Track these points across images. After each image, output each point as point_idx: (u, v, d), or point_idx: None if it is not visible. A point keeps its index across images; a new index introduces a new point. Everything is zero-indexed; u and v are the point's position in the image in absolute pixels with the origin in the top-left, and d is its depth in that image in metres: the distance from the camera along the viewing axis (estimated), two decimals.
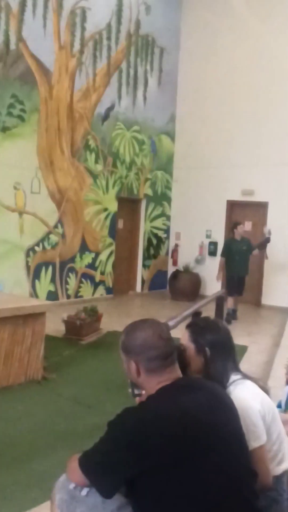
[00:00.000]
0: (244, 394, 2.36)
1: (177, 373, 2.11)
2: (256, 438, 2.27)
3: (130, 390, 2.25)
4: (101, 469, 1.92)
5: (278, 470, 2.42)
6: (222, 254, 9.97)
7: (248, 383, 2.45)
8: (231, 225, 10.31)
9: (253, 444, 2.26)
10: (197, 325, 2.61)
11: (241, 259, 9.74)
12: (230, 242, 9.96)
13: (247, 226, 11.49)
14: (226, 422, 2.04)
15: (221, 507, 1.90)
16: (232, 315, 9.56)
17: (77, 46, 10.30)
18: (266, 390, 2.57)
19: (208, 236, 12.60)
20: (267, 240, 10.01)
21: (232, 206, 12.27)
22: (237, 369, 2.52)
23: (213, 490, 1.89)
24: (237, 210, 12.17)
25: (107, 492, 1.94)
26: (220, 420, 2.01)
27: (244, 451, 2.08)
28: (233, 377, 2.46)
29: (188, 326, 2.64)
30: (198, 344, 2.50)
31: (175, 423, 1.89)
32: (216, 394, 2.13)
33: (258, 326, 9.43)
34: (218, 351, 2.48)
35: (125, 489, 2.02)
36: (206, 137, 12.41)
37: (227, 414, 2.09)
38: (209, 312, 7.25)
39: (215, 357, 2.47)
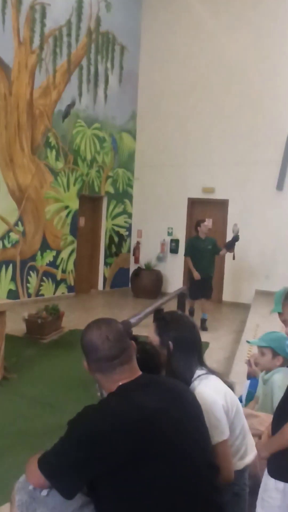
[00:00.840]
0: (207, 389, 2.36)
1: (133, 372, 2.10)
2: (219, 433, 2.29)
3: (97, 389, 2.26)
4: (61, 470, 1.90)
5: (240, 464, 2.44)
6: (186, 253, 9.29)
7: (213, 378, 2.45)
8: (195, 223, 9.51)
9: (216, 439, 2.27)
10: (163, 319, 2.62)
11: (207, 259, 9.07)
12: (194, 240, 9.27)
13: (207, 223, 11.53)
14: (186, 418, 2.04)
15: (183, 504, 1.90)
16: (202, 325, 8.72)
17: (36, 42, 10.18)
18: (230, 384, 2.58)
19: (169, 234, 12.64)
20: (236, 238, 9.08)
21: (193, 203, 12.35)
22: (202, 364, 2.53)
23: (174, 487, 1.89)
24: (198, 208, 12.25)
25: (68, 493, 1.92)
26: (180, 416, 2.01)
27: (205, 446, 2.09)
28: (198, 372, 2.46)
29: (155, 320, 2.66)
30: (162, 338, 2.52)
31: (134, 421, 1.88)
32: (176, 390, 2.14)
33: (219, 323, 9.51)
34: (181, 345, 2.48)
35: (86, 488, 2.01)
36: (167, 135, 12.46)
37: (188, 410, 2.09)
38: (171, 309, 7.27)
39: (178, 351, 2.47)
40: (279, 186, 11.44)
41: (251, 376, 4.14)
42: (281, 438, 2.22)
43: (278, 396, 3.44)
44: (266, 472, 2.31)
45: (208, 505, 1.99)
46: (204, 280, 9.01)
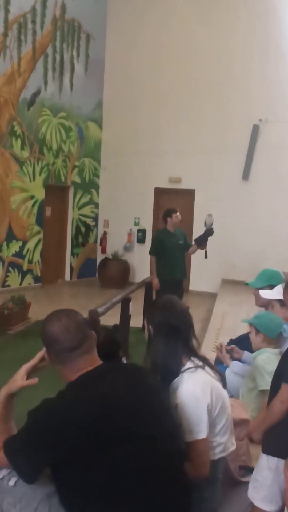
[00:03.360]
0: (193, 386, 2.34)
1: (94, 361, 2.11)
2: (198, 431, 2.28)
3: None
4: (21, 455, 1.93)
5: (216, 455, 2.44)
6: (152, 251, 7.43)
7: (200, 373, 2.40)
8: (163, 212, 7.73)
9: (194, 436, 2.27)
10: (154, 305, 2.60)
11: (178, 257, 7.39)
12: (161, 234, 7.53)
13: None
14: (147, 404, 2.04)
15: (147, 490, 1.91)
16: None
17: (0, 29, 9.98)
18: (221, 375, 2.56)
19: (136, 224, 12.62)
20: (209, 232, 7.37)
21: (160, 193, 12.34)
22: (192, 354, 2.47)
23: (137, 474, 1.90)
24: (164, 197, 12.25)
25: (27, 477, 1.95)
26: (140, 403, 2.02)
27: (170, 431, 2.09)
28: (189, 364, 2.42)
29: (148, 306, 2.68)
30: (148, 323, 2.52)
31: (93, 409, 1.90)
32: (137, 377, 2.14)
33: None
34: (163, 331, 2.44)
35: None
36: (134, 124, 12.39)
37: (150, 396, 2.09)
38: (138, 298, 7.28)
39: (159, 337, 2.44)
40: (245, 176, 11.53)
41: (219, 362, 4.19)
42: (270, 414, 2.38)
43: (260, 377, 3.48)
44: (261, 455, 2.43)
45: (173, 491, 2.00)
46: (175, 284, 7.26)
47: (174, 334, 2.44)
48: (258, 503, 2.45)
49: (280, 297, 3.57)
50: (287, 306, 3.08)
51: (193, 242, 7.55)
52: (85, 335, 2.11)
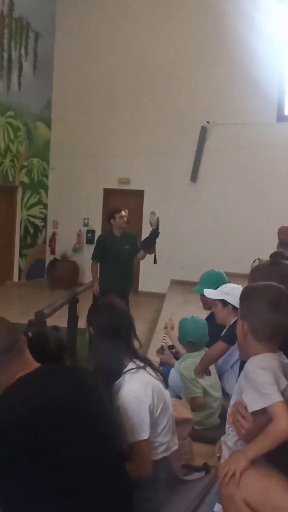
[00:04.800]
0: (134, 386, 2.35)
1: (29, 364, 2.11)
2: (141, 432, 2.30)
3: None
4: None
5: (159, 455, 2.46)
6: (94, 256, 6.82)
7: (141, 373, 2.42)
8: (107, 214, 7.02)
9: (137, 437, 2.29)
10: (94, 307, 2.61)
11: (123, 264, 6.64)
12: (104, 238, 6.90)
13: (125, 214, 11.43)
14: (88, 406, 2.05)
15: (89, 491, 1.91)
16: None
17: None
18: (163, 375, 2.58)
19: (85, 225, 12.58)
20: (155, 234, 6.48)
21: (109, 194, 12.34)
22: (134, 356, 2.49)
23: (79, 475, 1.90)
24: (113, 198, 12.25)
25: None
26: (81, 405, 2.02)
27: (111, 432, 2.11)
28: (131, 365, 2.43)
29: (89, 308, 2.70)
30: (88, 325, 2.54)
31: (32, 412, 1.89)
32: (77, 379, 2.14)
33: (134, 312, 9.53)
34: (103, 332, 2.46)
35: None
36: (84, 124, 12.32)
37: (90, 398, 2.10)
38: (86, 299, 7.25)
39: (100, 339, 2.45)
40: (193, 178, 11.66)
41: (164, 364, 4.23)
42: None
43: (184, 386, 3.59)
44: None
45: (117, 492, 2.01)
46: (119, 294, 5.65)
47: (115, 336, 2.46)
48: None
49: (223, 297, 3.66)
50: (238, 316, 3.16)
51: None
52: (14, 339, 2.11)
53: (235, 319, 3.59)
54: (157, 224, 6.43)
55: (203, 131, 11.51)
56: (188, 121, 11.54)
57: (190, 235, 11.62)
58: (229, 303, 3.63)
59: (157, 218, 6.41)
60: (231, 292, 3.62)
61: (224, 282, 4.02)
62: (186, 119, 11.57)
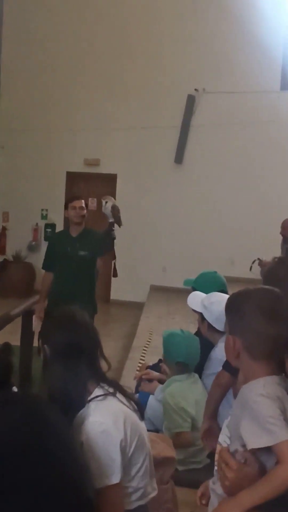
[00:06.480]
0: (102, 418, 2.31)
1: None
2: (110, 475, 2.26)
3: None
4: None
5: (133, 504, 2.44)
6: (44, 265, 6.26)
7: (110, 401, 2.39)
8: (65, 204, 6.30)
9: (105, 481, 2.25)
10: (51, 319, 2.59)
11: (74, 277, 5.80)
12: (55, 239, 6.56)
13: (92, 204, 11.38)
14: (46, 444, 2.03)
15: None
16: None
17: None
18: (137, 403, 2.56)
19: (44, 217, 12.54)
20: (110, 232, 5.89)
21: (73, 179, 12.32)
22: (101, 379, 2.47)
23: None
24: (79, 184, 12.22)
25: None
26: (37, 443, 2.00)
27: (74, 477, 2.09)
28: (96, 391, 2.41)
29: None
30: (42, 342, 2.51)
31: None
32: (31, 411, 2.12)
33: (106, 327, 9.54)
34: (62, 352, 2.42)
35: None
36: (41, 93, 12.23)
37: (47, 434, 2.08)
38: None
39: (57, 359, 2.42)
40: (178, 159, 11.67)
41: (141, 390, 4.22)
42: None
43: (167, 417, 3.59)
44: None
45: None
46: None
47: (76, 355, 2.42)
48: None
49: (202, 310, 3.70)
50: (227, 331, 3.16)
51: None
52: None
53: (221, 338, 3.63)
54: (115, 217, 5.82)
55: (190, 101, 11.54)
56: (172, 89, 11.57)
57: (174, 230, 11.65)
58: (205, 319, 3.69)
59: (112, 207, 5.82)
60: (210, 306, 3.65)
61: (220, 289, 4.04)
62: (169, 87, 11.60)
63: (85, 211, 5.94)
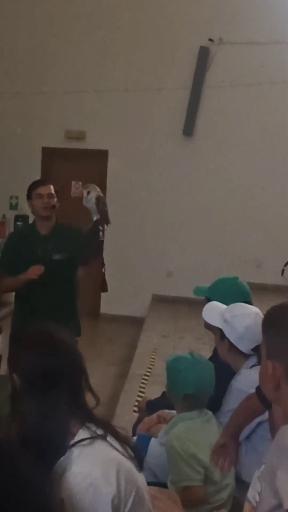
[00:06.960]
0: (88, 468, 2.31)
1: None
2: None
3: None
4: None
5: None
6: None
7: (98, 446, 2.38)
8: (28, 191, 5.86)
9: None
10: (22, 340, 2.57)
11: (49, 284, 5.47)
12: (15, 238, 6.34)
13: (76, 190, 11.36)
14: (19, 503, 2.03)
15: None
16: None
17: None
18: (133, 448, 2.55)
19: (13, 207, 12.56)
20: (94, 230, 5.76)
21: (52, 156, 12.34)
22: (86, 418, 2.46)
23: None
24: (59, 163, 12.23)
25: None
26: (7, 502, 2.01)
27: None
28: (81, 433, 2.40)
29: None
30: (11, 369, 2.53)
31: None
32: (9, 466, 2.12)
33: (94, 349, 9.55)
34: (36, 382, 2.42)
35: None
36: (11, 46, 12.23)
37: (20, 490, 2.08)
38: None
39: (29, 391, 2.42)
40: (187, 130, 11.67)
41: (141, 431, 4.22)
42: None
43: (172, 467, 3.58)
44: None
45: None
46: None
47: (54, 386, 2.41)
48: None
49: (221, 325, 3.73)
50: (263, 355, 3.15)
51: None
52: None
53: (245, 362, 3.64)
54: (101, 212, 5.75)
55: (203, 54, 11.54)
56: (181, 39, 11.61)
57: (182, 223, 11.68)
58: (226, 337, 3.75)
59: (96, 199, 5.75)
60: (232, 321, 3.71)
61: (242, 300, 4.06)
62: (176, 37, 11.62)
63: (55, 199, 5.70)
